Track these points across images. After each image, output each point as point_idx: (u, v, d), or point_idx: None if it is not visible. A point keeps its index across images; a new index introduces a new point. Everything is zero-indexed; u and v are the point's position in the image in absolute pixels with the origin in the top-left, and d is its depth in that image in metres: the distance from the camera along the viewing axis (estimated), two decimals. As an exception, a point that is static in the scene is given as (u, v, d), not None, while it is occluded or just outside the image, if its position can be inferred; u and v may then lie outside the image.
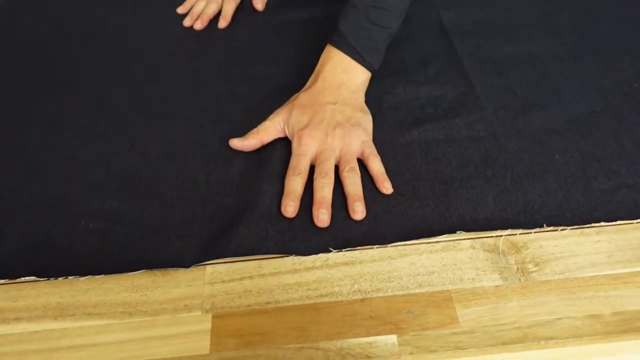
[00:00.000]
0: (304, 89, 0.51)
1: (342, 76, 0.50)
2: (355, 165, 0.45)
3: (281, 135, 0.49)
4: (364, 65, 0.50)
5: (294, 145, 0.46)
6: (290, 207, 0.42)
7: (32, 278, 0.40)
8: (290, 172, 0.45)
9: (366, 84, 0.52)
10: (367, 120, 0.49)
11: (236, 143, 0.48)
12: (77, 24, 0.67)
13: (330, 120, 0.47)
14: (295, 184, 0.44)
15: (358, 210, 0.42)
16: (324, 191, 0.43)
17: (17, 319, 0.37)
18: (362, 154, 0.46)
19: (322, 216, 0.42)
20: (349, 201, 0.43)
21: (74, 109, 0.55)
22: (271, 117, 0.49)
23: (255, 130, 0.48)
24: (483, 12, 0.64)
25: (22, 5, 0.71)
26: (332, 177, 0.44)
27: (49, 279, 0.40)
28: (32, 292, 0.39)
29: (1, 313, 0.38)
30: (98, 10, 0.69)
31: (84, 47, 0.63)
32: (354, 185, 0.43)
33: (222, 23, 0.65)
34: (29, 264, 0.40)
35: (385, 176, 0.45)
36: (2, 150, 0.50)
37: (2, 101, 0.56)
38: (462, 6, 0.65)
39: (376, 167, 0.45)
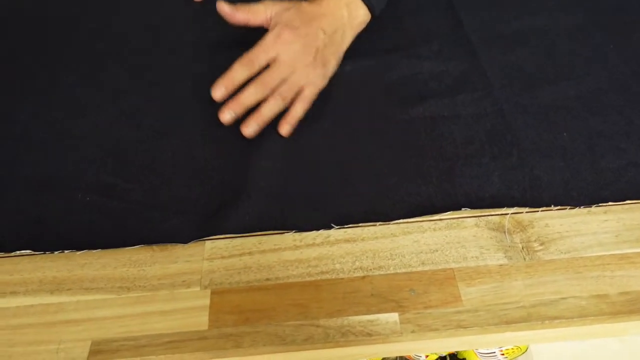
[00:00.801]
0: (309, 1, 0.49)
1: (344, 11, 0.49)
2: (289, 97, 0.45)
3: (264, 24, 0.48)
4: (367, 5, 0.49)
5: (269, 36, 0.46)
6: (220, 91, 0.44)
7: (28, 252, 0.39)
8: (244, 60, 0.44)
9: (362, 27, 0.51)
10: (333, 67, 0.48)
11: (225, 9, 0.48)
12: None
13: (313, 44, 0.46)
14: (240, 74, 0.44)
15: (250, 127, 0.44)
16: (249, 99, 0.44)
17: (13, 293, 0.37)
18: (302, 91, 0.46)
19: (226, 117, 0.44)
20: (252, 118, 0.44)
21: (66, 80, 0.53)
22: (265, 3, 0.48)
23: (246, 7, 0.48)
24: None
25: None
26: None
27: (44, 253, 0.39)
28: (28, 266, 0.38)
29: (-3, 287, 0.37)
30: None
31: (75, 17, 0.61)
32: (271, 109, 0.44)
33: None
34: (25, 238, 0.40)
35: (295, 121, 0.45)
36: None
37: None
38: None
39: (297, 110, 0.45)
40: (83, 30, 0.59)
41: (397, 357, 0.56)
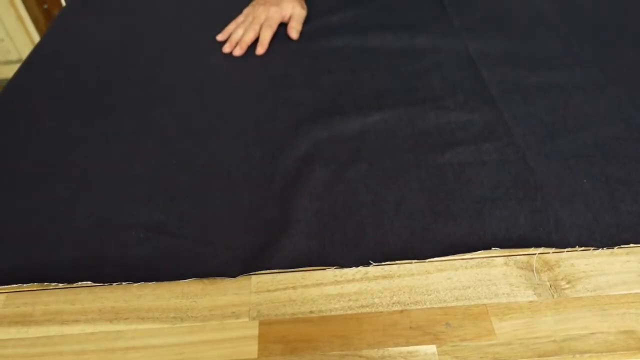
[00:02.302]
0: None
1: None
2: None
3: None
4: None
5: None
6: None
7: (88, 283, 0.42)
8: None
9: None
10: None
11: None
12: (120, 51, 0.71)
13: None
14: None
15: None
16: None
17: (75, 321, 0.40)
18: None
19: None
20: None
21: (121, 127, 0.58)
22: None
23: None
24: (509, 43, 0.67)
25: (70, 34, 0.76)
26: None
27: (103, 285, 0.42)
28: (88, 296, 0.41)
29: (59, 315, 0.40)
30: (140, 36, 0.74)
31: (125, 69, 0.67)
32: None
33: (260, 50, 0.69)
34: (85, 270, 0.43)
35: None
36: (55, 164, 0.53)
37: (56, 120, 0.60)
38: (488, 38, 0.68)
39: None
40: (133, 81, 0.65)
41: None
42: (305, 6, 0.74)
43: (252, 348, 0.37)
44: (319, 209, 0.47)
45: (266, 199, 0.48)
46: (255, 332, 0.38)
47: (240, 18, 0.74)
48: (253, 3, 0.75)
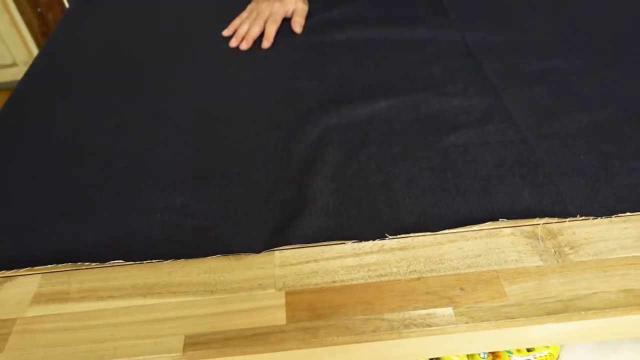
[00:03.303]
0: None
1: None
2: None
3: None
4: None
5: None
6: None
7: (120, 262, 0.44)
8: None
9: None
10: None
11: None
12: (133, 45, 0.73)
13: None
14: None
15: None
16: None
17: (110, 297, 0.42)
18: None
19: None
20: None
21: (138, 117, 0.60)
22: None
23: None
24: (505, 33, 0.70)
25: (80, 30, 0.78)
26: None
27: (134, 263, 0.44)
28: (120, 274, 0.44)
29: (94, 292, 0.42)
30: (151, 31, 0.76)
31: (140, 64, 0.69)
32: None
33: (266, 44, 0.72)
34: (116, 250, 0.45)
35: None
36: (77, 152, 0.55)
37: (76, 110, 0.62)
38: (485, 29, 0.71)
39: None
40: (147, 73, 0.67)
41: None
42: (307, 2, 0.77)
43: (281, 315, 0.40)
44: (334, 189, 0.49)
45: (283, 181, 0.51)
46: (282, 301, 0.41)
47: (244, 14, 0.76)
48: None
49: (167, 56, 0.70)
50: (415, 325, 0.39)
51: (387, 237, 0.45)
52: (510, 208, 0.46)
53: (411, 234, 0.45)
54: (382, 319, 0.39)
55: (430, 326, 0.39)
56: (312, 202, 0.48)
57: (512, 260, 0.43)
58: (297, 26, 0.74)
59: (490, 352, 0.55)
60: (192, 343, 0.38)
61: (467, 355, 0.55)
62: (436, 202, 0.48)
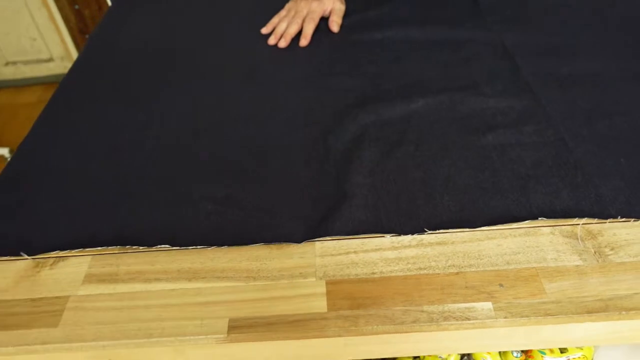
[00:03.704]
0: None
1: None
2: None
3: None
4: None
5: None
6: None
7: (166, 247, 0.46)
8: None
9: None
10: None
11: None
12: (171, 42, 0.76)
13: None
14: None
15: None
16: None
17: (157, 280, 0.44)
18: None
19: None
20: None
21: (179, 111, 0.62)
22: None
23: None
24: (542, 36, 0.70)
25: (121, 27, 0.81)
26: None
27: (179, 249, 0.46)
28: (166, 258, 0.45)
29: (142, 274, 0.44)
30: (189, 28, 0.78)
31: (178, 61, 0.71)
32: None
33: (303, 42, 0.73)
34: (163, 235, 0.47)
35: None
36: (121, 144, 0.58)
37: (118, 104, 0.64)
38: (522, 31, 0.71)
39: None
40: (185, 70, 0.69)
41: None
42: (344, 1, 0.78)
43: (322, 303, 0.41)
44: (373, 184, 0.50)
45: (322, 175, 0.52)
46: (323, 290, 0.42)
47: (283, 12, 0.78)
48: None
49: (207, 53, 0.72)
50: (454, 318, 0.39)
51: (425, 231, 0.46)
52: (549, 207, 0.47)
53: (450, 230, 0.46)
54: (422, 311, 0.40)
55: (469, 319, 0.39)
56: (351, 196, 0.49)
57: (551, 259, 0.43)
58: (335, 25, 0.75)
59: (523, 352, 0.55)
60: (236, 326, 0.40)
61: (500, 354, 0.55)
62: (474, 200, 0.48)
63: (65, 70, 1.95)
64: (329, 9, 0.76)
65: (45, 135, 0.60)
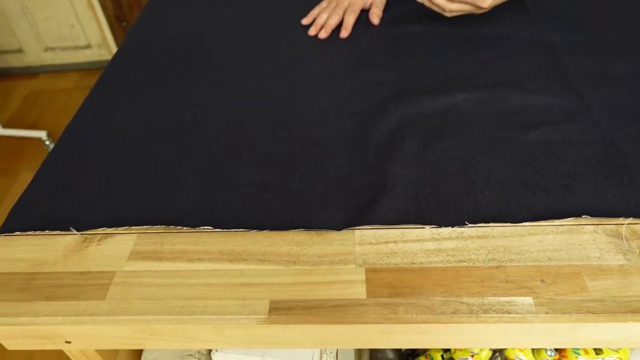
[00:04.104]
0: None
1: None
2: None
3: None
4: None
5: None
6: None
7: (208, 228, 0.47)
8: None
9: None
10: None
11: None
12: (212, 33, 0.77)
13: None
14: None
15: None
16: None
17: (199, 259, 0.45)
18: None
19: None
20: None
21: (217, 100, 0.63)
22: None
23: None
24: (585, 33, 0.69)
25: (162, 18, 0.82)
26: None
27: (222, 231, 0.47)
28: (209, 239, 0.46)
29: (185, 254, 0.45)
30: (229, 19, 0.79)
31: (218, 51, 0.72)
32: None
33: (344, 33, 0.73)
34: (205, 217, 0.48)
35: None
36: (161, 131, 0.59)
37: (158, 92, 0.65)
38: (564, 27, 0.70)
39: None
40: (224, 60, 0.70)
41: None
42: None
43: (361, 290, 0.41)
44: (413, 176, 0.50)
45: (361, 166, 0.52)
46: (363, 277, 0.42)
47: (323, 3, 0.78)
48: None
49: (247, 43, 0.73)
50: (494, 311, 0.39)
51: (466, 224, 0.45)
52: (593, 206, 0.46)
53: (491, 224, 0.45)
54: (461, 302, 0.40)
55: (509, 313, 0.39)
56: (390, 186, 0.49)
57: (594, 257, 0.42)
58: (375, 17, 0.75)
59: (557, 352, 0.55)
60: (276, 308, 0.40)
61: (533, 352, 0.55)
62: (516, 195, 0.48)
63: (102, 57, 2.00)
64: (369, 1, 0.76)
65: (89, 120, 0.62)
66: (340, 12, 0.75)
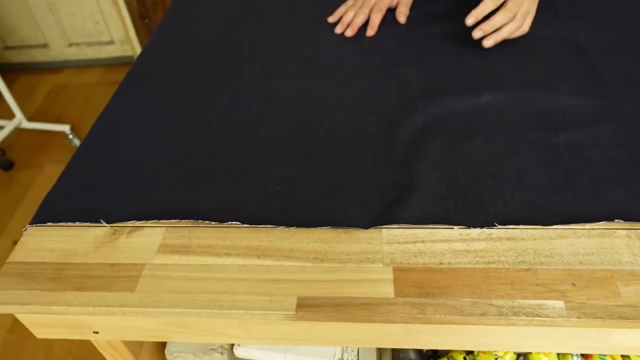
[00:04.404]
0: None
1: None
2: (520, 23, 0.66)
3: None
4: None
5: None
6: (472, 19, 0.65)
7: (236, 224, 0.47)
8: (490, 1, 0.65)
9: None
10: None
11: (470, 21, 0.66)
12: (241, 27, 0.77)
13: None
14: (489, 8, 0.64)
15: (490, 40, 0.65)
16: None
17: (227, 254, 0.45)
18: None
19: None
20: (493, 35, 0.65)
21: (246, 94, 0.63)
22: None
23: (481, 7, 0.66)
24: (616, 33, 0.67)
25: (192, 12, 0.83)
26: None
27: (249, 226, 0.47)
28: (237, 235, 0.46)
29: (213, 248, 0.45)
30: (257, 15, 0.79)
31: (246, 46, 0.72)
32: (509, 30, 0.65)
33: (370, 32, 0.73)
34: (232, 212, 0.48)
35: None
36: (190, 125, 0.59)
37: (187, 85, 0.66)
38: (596, 28, 0.69)
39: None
40: (252, 54, 0.70)
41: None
42: None
43: (389, 289, 0.41)
44: (440, 176, 0.50)
45: (388, 164, 0.52)
46: (390, 276, 0.42)
47: (350, 2, 0.78)
48: None
49: (273, 41, 0.73)
50: (524, 314, 0.39)
51: (495, 226, 0.45)
52: (626, 210, 0.45)
53: (520, 226, 0.45)
54: (490, 304, 0.40)
55: (540, 316, 0.39)
56: (418, 186, 0.49)
57: (627, 262, 0.42)
58: (402, 16, 0.75)
59: (583, 356, 0.54)
60: (304, 305, 0.41)
61: (559, 356, 0.54)
62: (546, 198, 0.47)
63: (125, 53, 2.02)
64: (396, 0, 0.76)
65: (117, 115, 0.63)
66: (367, 11, 0.75)
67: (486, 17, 0.65)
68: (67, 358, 1.16)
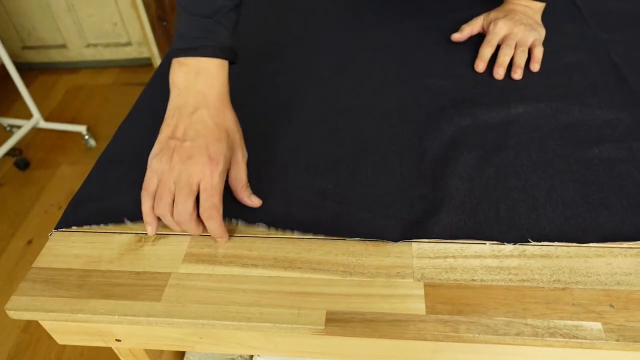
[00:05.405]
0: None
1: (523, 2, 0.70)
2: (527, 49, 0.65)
3: (481, 30, 0.70)
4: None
5: (490, 28, 0.67)
6: (481, 66, 0.64)
7: (263, 234, 0.46)
8: (484, 44, 0.66)
9: (542, 9, 0.71)
10: (541, 29, 0.68)
11: (456, 36, 0.69)
12: (283, 35, 0.77)
13: (520, 21, 0.67)
14: (486, 52, 0.65)
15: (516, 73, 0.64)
16: (505, 57, 0.64)
17: (254, 265, 0.44)
18: (533, 45, 0.65)
19: (500, 72, 0.63)
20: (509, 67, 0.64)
21: (274, 105, 0.62)
22: (477, 17, 0.70)
23: (467, 24, 0.69)
24: (650, 47, 0.66)
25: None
26: (512, 50, 0.65)
27: (276, 237, 0.46)
28: (263, 245, 0.46)
29: (239, 259, 0.45)
30: (287, 28, 0.79)
31: (276, 56, 0.72)
32: (518, 56, 0.64)
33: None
34: (261, 216, 0.47)
35: (540, 58, 0.64)
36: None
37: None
38: (627, 40, 0.68)
39: (539, 52, 0.65)
40: (284, 63, 0.69)
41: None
42: None
43: (420, 306, 0.40)
44: (471, 189, 0.49)
45: (417, 176, 0.51)
46: (421, 292, 0.41)
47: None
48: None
49: (304, 50, 0.72)
50: (561, 335, 0.38)
51: (529, 242, 0.44)
52: (665, 229, 0.44)
53: (555, 243, 0.44)
54: (526, 324, 0.39)
55: (577, 338, 0.37)
56: (449, 199, 0.48)
57: (667, 284, 0.40)
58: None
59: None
60: (333, 319, 0.40)
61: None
62: (580, 214, 0.46)
63: (142, 55, 2.03)
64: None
65: (142, 118, 0.62)
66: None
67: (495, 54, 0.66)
68: None
